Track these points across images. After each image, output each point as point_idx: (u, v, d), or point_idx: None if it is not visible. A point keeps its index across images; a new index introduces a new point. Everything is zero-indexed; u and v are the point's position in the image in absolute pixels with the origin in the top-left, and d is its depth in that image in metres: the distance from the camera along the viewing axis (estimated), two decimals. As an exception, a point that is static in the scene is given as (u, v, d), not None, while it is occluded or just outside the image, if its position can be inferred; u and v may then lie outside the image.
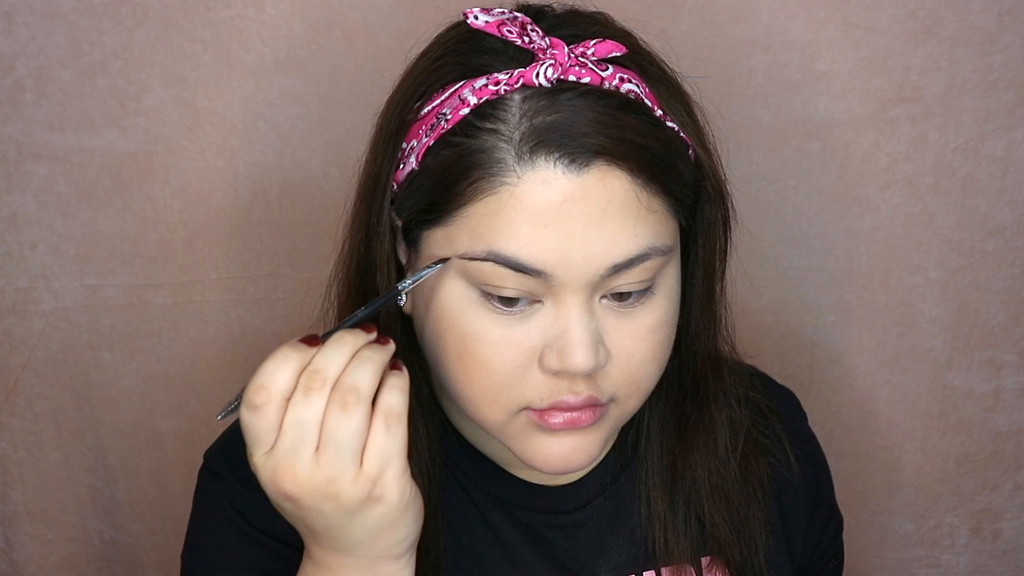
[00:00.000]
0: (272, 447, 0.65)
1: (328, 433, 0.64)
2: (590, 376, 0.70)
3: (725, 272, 0.80)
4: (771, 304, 1.17)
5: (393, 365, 0.67)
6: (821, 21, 1.07)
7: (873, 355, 1.19)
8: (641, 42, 0.75)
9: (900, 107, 1.09)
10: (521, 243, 0.67)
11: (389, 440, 0.65)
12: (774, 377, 0.96)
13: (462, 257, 0.69)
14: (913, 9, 1.06)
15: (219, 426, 0.87)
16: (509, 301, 0.69)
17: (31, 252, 1.10)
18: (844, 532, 0.97)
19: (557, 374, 0.70)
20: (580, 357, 0.68)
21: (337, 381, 0.64)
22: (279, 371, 0.65)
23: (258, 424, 0.65)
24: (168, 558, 1.18)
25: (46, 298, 1.12)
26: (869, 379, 1.20)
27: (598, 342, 0.70)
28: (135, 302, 1.13)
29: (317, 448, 0.64)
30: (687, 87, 0.75)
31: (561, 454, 0.73)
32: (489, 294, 0.69)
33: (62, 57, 1.04)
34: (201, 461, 0.86)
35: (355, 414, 0.64)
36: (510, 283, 0.68)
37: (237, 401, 0.66)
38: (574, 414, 0.71)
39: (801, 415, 0.96)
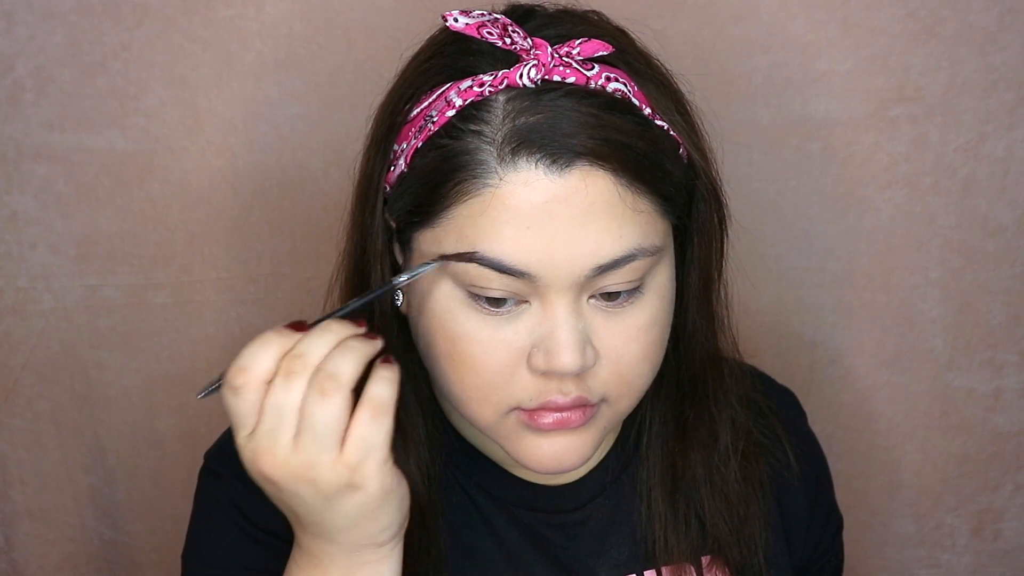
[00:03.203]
0: (253, 429, 0.65)
1: (306, 418, 0.63)
2: (579, 376, 0.70)
3: (723, 271, 0.80)
4: (771, 304, 1.17)
5: (384, 359, 0.66)
6: (821, 21, 1.06)
7: (874, 355, 1.19)
8: (637, 40, 0.75)
9: (900, 107, 1.09)
10: (504, 245, 0.67)
11: (373, 429, 0.64)
12: (774, 377, 0.96)
13: (447, 258, 0.69)
14: (913, 9, 1.06)
15: (218, 426, 0.87)
16: (496, 302, 0.69)
17: (31, 252, 1.11)
18: (844, 532, 0.97)
19: (545, 374, 0.70)
20: (566, 358, 0.68)
21: (318, 367, 0.64)
22: (260, 353, 0.64)
23: (238, 406, 0.64)
24: (168, 559, 1.18)
25: (46, 298, 1.12)
26: (869, 379, 1.20)
27: (585, 342, 0.69)
28: (135, 302, 1.13)
29: (297, 433, 0.64)
30: (682, 85, 0.75)
31: (552, 454, 0.73)
32: (476, 295, 0.69)
33: (62, 57, 1.04)
34: (201, 461, 0.86)
35: (333, 400, 0.63)
36: (496, 284, 0.68)
37: (219, 382, 0.66)
38: (564, 414, 0.71)
39: (801, 415, 0.96)
